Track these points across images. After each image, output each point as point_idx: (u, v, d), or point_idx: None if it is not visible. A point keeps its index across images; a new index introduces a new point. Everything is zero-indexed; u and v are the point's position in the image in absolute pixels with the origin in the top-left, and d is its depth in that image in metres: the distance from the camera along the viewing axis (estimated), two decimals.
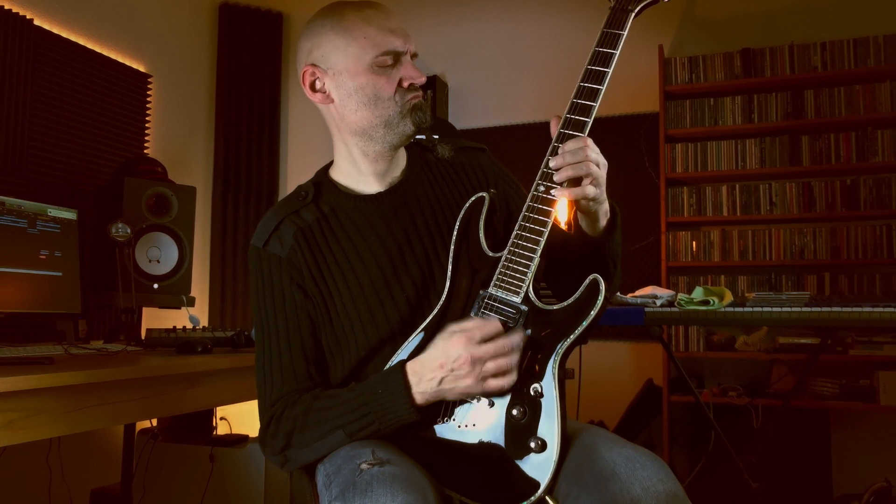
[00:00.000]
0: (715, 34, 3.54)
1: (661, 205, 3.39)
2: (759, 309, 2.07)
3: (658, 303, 2.20)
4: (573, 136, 1.12)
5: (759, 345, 3.17)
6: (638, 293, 2.32)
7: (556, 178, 1.11)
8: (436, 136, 1.31)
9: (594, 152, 1.11)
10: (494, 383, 1.08)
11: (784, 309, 2.03)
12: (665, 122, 3.40)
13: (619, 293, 2.27)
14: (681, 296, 2.20)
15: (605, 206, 1.18)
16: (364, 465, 1.02)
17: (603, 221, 1.18)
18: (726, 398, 3.13)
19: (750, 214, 3.33)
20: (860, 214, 3.19)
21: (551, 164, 1.11)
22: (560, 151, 1.11)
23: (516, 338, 1.09)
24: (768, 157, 3.30)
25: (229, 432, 2.96)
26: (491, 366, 1.07)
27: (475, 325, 1.09)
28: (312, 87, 1.25)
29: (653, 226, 3.50)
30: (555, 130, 1.14)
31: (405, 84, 1.21)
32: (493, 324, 1.09)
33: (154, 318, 3.20)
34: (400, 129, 1.22)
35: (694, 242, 3.39)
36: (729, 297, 2.15)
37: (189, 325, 2.35)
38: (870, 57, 3.16)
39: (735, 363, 3.36)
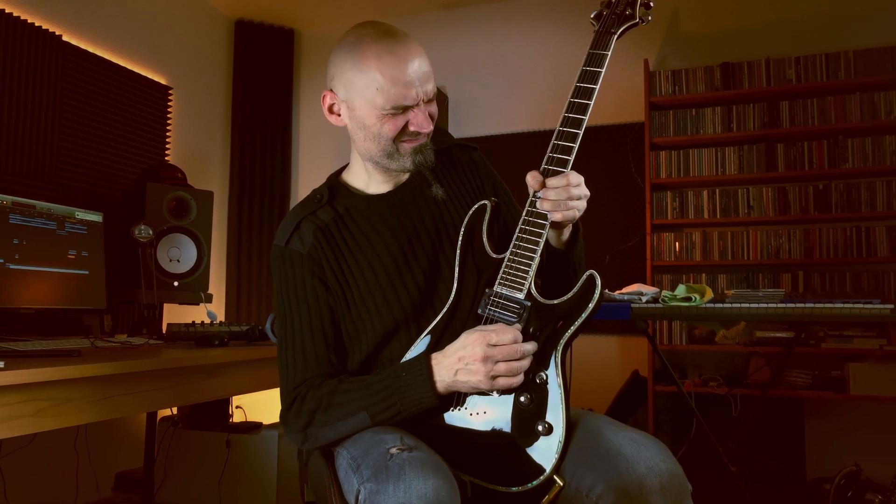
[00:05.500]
0: (696, 49, 3.54)
1: (647, 208, 3.39)
2: (738, 305, 2.07)
3: (643, 299, 2.20)
4: (560, 171, 1.14)
5: (737, 338, 3.17)
6: (624, 290, 2.32)
7: (549, 215, 1.13)
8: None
9: (576, 189, 1.13)
10: (503, 382, 1.09)
11: (761, 305, 2.03)
12: (650, 131, 3.40)
13: (606, 290, 2.27)
14: (665, 293, 2.20)
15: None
16: (394, 450, 1.01)
17: (566, 235, 1.21)
18: (707, 388, 3.13)
19: (729, 217, 3.32)
20: (832, 217, 3.19)
21: (547, 200, 1.13)
22: (547, 186, 1.13)
23: (529, 346, 1.10)
24: (746, 164, 3.30)
25: (245, 420, 2.96)
26: (502, 367, 1.08)
27: (495, 329, 1.10)
28: (330, 110, 1.25)
29: (638, 227, 3.50)
30: (532, 182, 1.16)
31: (411, 128, 1.19)
32: (512, 330, 1.10)
33: (174, 314, 3.20)
34: (400, 164, 1.23)
35: (677, 243, 3.39)
36: (709, 294, 2.15)
37: (207, 320, 2.36)
38: (841, 70, 3.16)
39: (715, 355, 3.36)
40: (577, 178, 1.14)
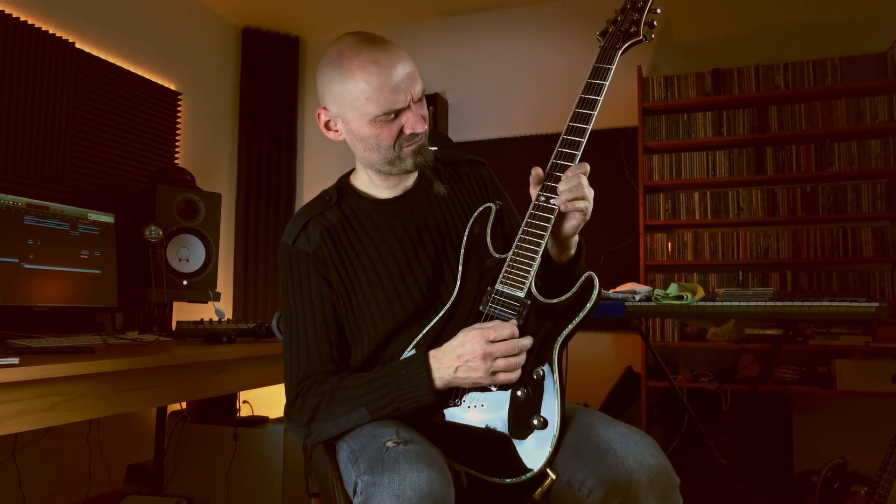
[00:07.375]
0: (688, 56, 3.54)
1: (640, 209, 3.39)
2: (728, 303, 2.07)
3: (637, 298, 2.20)
4: (569, 167, 1.15)
5: (727, 335, 3.18)
6: (619, 289, 2.32)
7: (557, 202, 1.14)
8: (434, 148, 1.31)
9: (586, 187, 1.15)
10: (503, 377, 1.10)
11: (750, 303, 2.03)
12: (643, 135, 3.40)
13: (601, 289, 2.27)
14: (657, 291, 2.20)
15: (576, 238, 1.22)
16: (390, 444, 1.02)
17: (572, 251, 1.22)
18: (698, 383, 3.13)
19: (719, 218, 3.32)
20: (819, 218, 3.19)
21: (561, 187, 1.14)
22: (564, 177, 1.14)
23: (526, 341, 1.11)
24: (736, 167, 3.30)
25: (251, 414, 2.96)
26: (501, 363, 1.09)
27: (492, 326, 1.11)
28: (327, 127, 1.25)
29: (632, 228, 3.50)
30: (536, 181, 1.17)
31: (406, 131, 1.19)
32: (509, 326, 1.10)
33: (183, 312, 3.20)
34: (401, 167, 1.24)
35: (669, 243, 3.39)
36: (700, 293, 2.15)
37: (215, 318, 2.36)
38: (827, 76, 3.16)
39: (706, 352, 3.36)
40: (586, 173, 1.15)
